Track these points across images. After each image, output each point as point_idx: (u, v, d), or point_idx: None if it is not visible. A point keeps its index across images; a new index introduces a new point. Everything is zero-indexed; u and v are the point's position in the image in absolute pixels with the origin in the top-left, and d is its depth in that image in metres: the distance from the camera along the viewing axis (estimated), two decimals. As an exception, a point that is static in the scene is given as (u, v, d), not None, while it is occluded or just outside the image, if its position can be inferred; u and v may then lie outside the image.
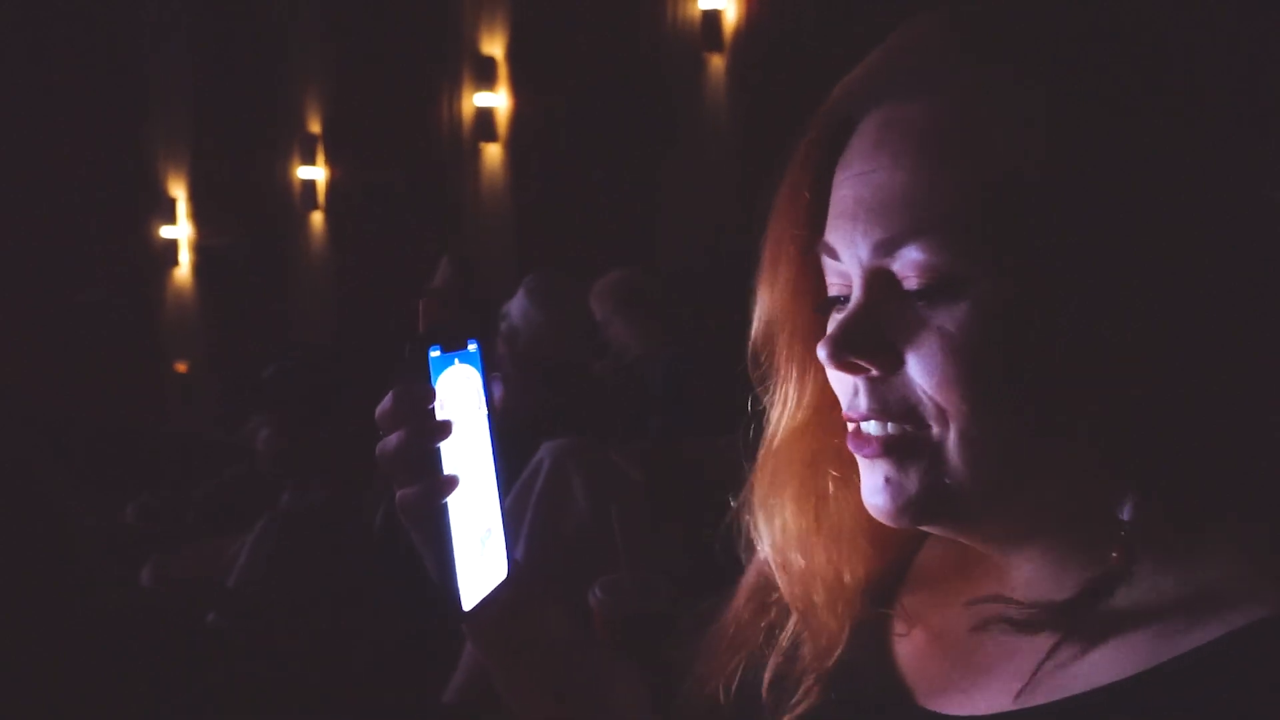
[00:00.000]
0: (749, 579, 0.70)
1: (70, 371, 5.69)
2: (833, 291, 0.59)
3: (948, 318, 0.53)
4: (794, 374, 0.63)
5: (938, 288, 0.53)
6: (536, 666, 0.72)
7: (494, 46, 4.99)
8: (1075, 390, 0.52)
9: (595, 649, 0.77)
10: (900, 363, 0.55)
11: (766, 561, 0.67)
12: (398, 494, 0.64)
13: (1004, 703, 0.54)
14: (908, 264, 0.54)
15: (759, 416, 0.65)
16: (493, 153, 5.06)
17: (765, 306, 0.64)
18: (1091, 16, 0.54)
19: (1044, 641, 0.54)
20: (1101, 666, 0.52)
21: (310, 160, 5.84)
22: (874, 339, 0.55)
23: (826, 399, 0.62)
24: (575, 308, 2.49)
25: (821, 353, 0.57)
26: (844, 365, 0.56)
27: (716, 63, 4.15)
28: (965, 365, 0.53)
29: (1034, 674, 0.54)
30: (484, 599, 0.65)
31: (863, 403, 0.57)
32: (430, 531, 0.63)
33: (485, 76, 4.97)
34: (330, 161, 5.83)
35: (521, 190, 4.92)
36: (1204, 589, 0.51)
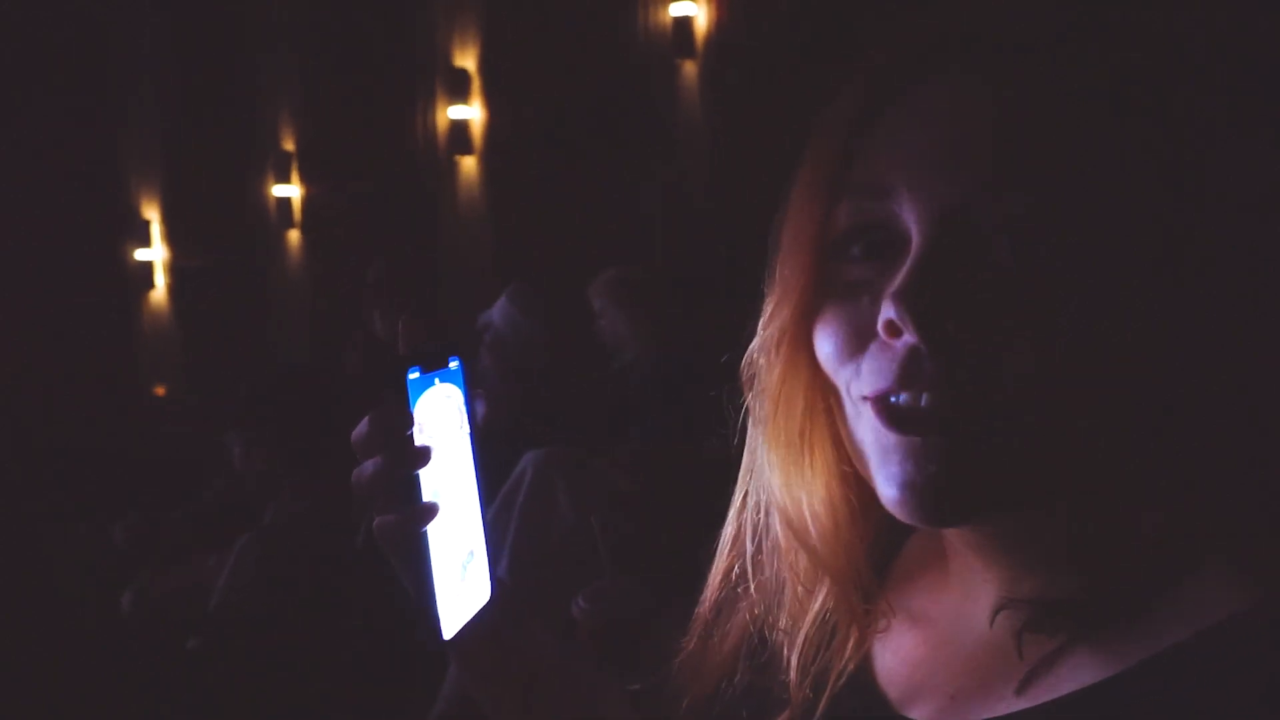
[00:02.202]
0: (715, 581, 0.68)
1: (47, 395, 5.62)
2: (853, 228, 0.52)
3: (1049, 273, 0.48)
4: (800, 357, 0.57)
5: (1039, 240, 0.48)
6: (522, 689, 0.71)
7: (466, 59, 4.98)
8: (1144, 374, 0.49)
9: (581, 667, 0.76)
10: (980, 322, 0.49)
11: (740, 556, 0.65)
12: (375, 522, 0.62)
13: (998, 707, 0.53)
14: (1004, 210, 0.49)
15: (745, 420, 0.63)
16: (468, 165, 5.05)
17: (782, 277, 0.57)
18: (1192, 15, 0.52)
19: (1043, 642, 0.52)
20: (1086, 666, 0.51)
21: (285, 178, 5.80)
22: (954, 293, 0.48)
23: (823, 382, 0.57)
24: (562, 315, 2.48)
25: (891, 310, 0.49)
26: (924, 322, 0.48)
27: (689, 68, 4.16)
28: (1070, 326, 0.48)
29: (1029, 676, 0.52)
30: (466, 624, 0.64)
31: (929, 368, 0.49)
32: (409, 559, 0.61)
33: (458, 89, 4.96)
34: (305, 179, 5.79)
35: (498, 202, 4.91)
36: (1181, 583, 0.51)
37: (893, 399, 0.51)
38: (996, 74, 0.51)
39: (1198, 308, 0.50)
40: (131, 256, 6.45)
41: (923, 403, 0.50)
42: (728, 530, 0.67)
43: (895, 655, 0.61)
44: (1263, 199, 0.51)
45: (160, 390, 6.47)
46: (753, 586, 0.65)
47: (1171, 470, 0.51)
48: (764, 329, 0.60)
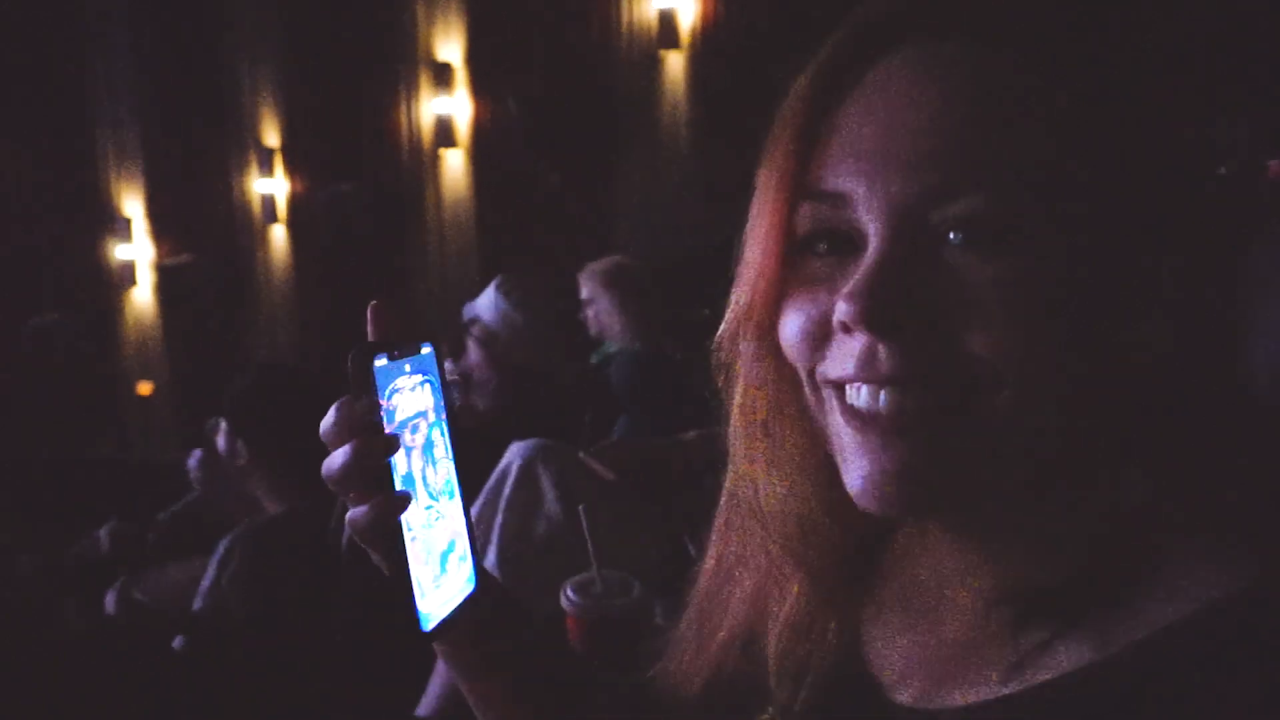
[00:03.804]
0: (705, 571, 0.68)
1: (28, 398, 5.58)
2: (814, 232, 0.53)
3: (1005, 271, 0.48)
4: (767, 352, 0.58)
5: (995, 239, 0.48)
6: (508, 679, 0.70)
7: (450, 52, 4.96)
8: (1114, 360, 0.49)
9: (569, 660, 0.76)
10: (936, 320, 0.49)
11: (727, 549, 0.65)
12: (348, 513, 0.61)
13: (986, 692, 0.53)
14: (959, 212, 0.49)
15: (725, 409, 0.63)
16: (454, 158, 5.03)
17: (747, 268, 0.57)
18: None
19: (1033, 630, 0.52)
20: (1073, 651, 0.51)
21: (269, 173, 5.77)
22: (909, 292, 0.49)
23: (790, 374, 0.57)
24: (551, 307, 2.46)
25: (844, 310, 0.50)
26: (875, 323, 0.49)
27: (674, 60, 4.16)
28: (1026, 322, 0.48)
29: (1018, 662, 0.52)
30: (449, 616, 0.63)
31: (884, 366, 0.50)
32: (386, 550, 0.60)
33: (443, 82, 4.94)
34: (290, 174, 5.76)
35: (483, 195, 4.89)
36: (1165, 568, 0.50)
37: (851, 389, 0.52)
38: (943, 67, 0.50)
39: (1158, 298, 0.50)
40: (113, 254, 6.40)
41: (880, 403, 0.51)
42: (718, 520, 0.66)
43: (884, 643, 0.61)
44: (1222, 193, 0.51)
45: (144, 389, 6.43)
46: (738, 575, 0.64)
47: (1146, 456, 0.51)
48: (730, 315, 0.60)
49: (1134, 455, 0.51)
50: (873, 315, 0.49)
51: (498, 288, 2.36)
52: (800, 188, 0.54)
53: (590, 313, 2.88)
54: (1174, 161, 0.50)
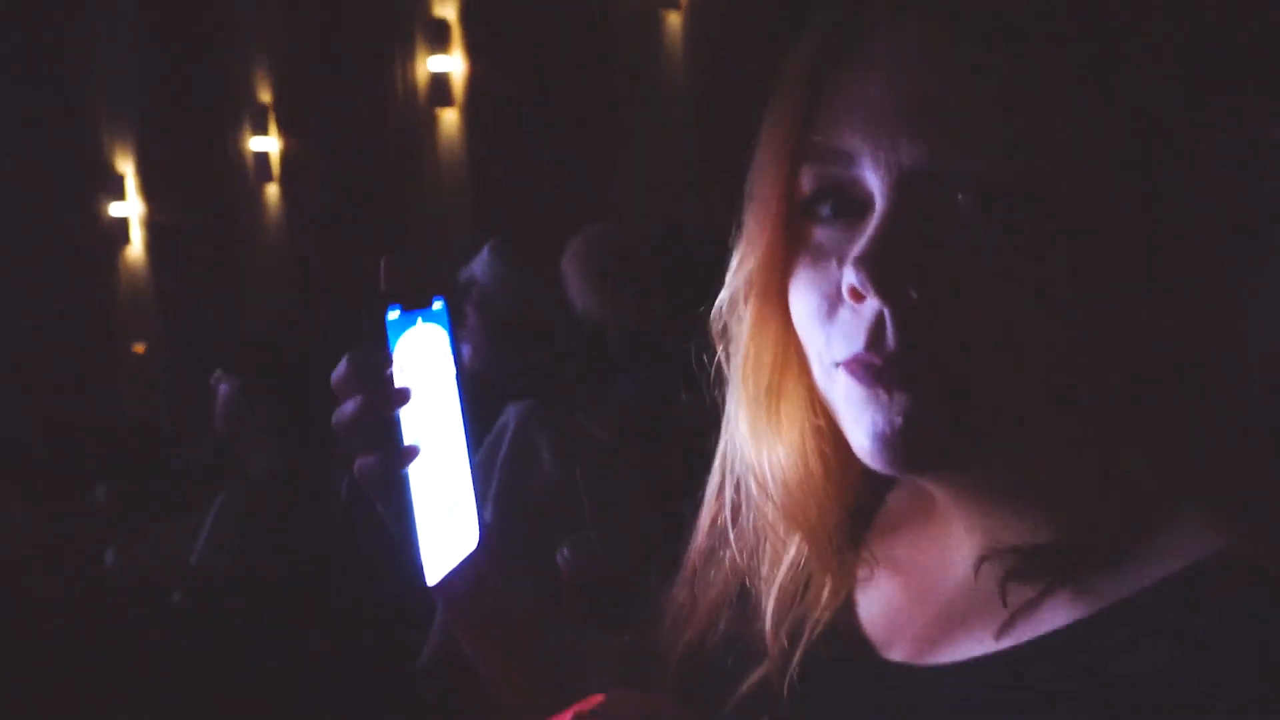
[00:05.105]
0: (700, 531, 0.68)
1: (22, 359, 5.56)
2: (819, 192, 0.52)
3: (1014, 232, 0.48)
4: (770, 315, 0.58)
5: (1004, 200, 0.48)
6: (506, 636, 0.71)
7: (447, 9, 4.89)
8: (1120, 322, 0.50)
9: (565, 616, 0.77)
10: (945, 281, 0.49)
11: (723, 511, 0.66)
12: (356, 463, 0.62)
13: (977, 649, 0.54)
14: (968, 170, 0.48)
15: (721, 375, 0.63)
16: (449, 118, 4.98)
17: (750, 232, 0.57)
18: None
19: (1025, 589, 0.53)
20: (1064, 609, 0.52)
21: (262, 131, 5.71)
22: (918, 255, 0.49)
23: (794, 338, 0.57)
24: (546, 269, 2.45)
25: (854, 275, 0.50)
26: (885, 285, 0.49)
27: (674, 20, 4.11)
28: (1034, 285, 0.48)
29: (1010, 620, 0.53)
30: (452, 570, 0.64)
31: (890, 335, 0.50)
32: (392, 502, 0.61)
33: (439, 40, 4.88)
34: (283, 132, 5.70)
35: (479, 156, 4.85)
36: (1158, 528, 0.51)
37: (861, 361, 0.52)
38: (956, 23, 0.50)
39: (1166, 265, 0.50)
40: (106, 211, 6.35)
41: (888, 358, 0.51)
42: (712, 481, 0.67)
43: (877, 603, 0.62)
44: (1229, 167, 0.51)
45: (139, 348, 6.41)
46: (733, 537, 0.65)
47: (1144, 416, 0.51)
48: (731, 281, 0.60)
49: (1129, 425, 0.52)
50: (883, 279, 0.49)
51: (491, 249, 2.35)
52: (803, 148, 0.54)
53: (573, 293, 2.78)
54: (1179, 151, 0.50)
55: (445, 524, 0.64)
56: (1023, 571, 0.53)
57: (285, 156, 5.70)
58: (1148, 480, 0.52)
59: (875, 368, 0.51)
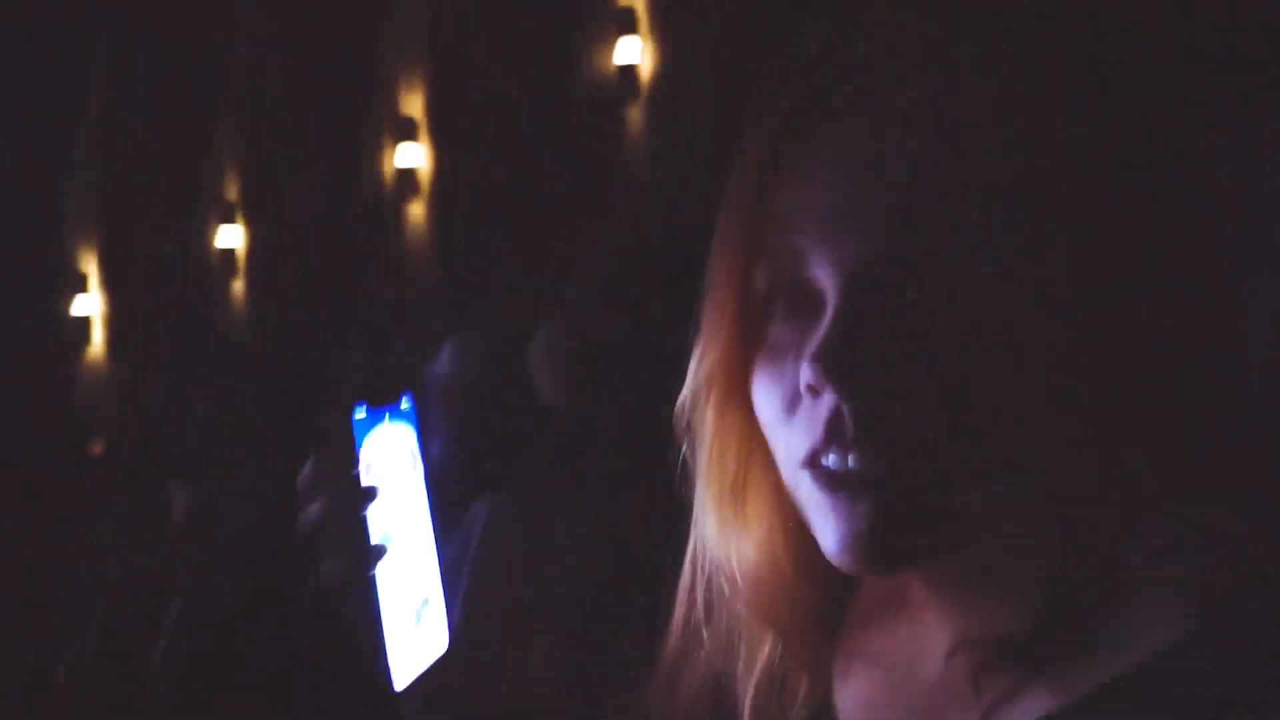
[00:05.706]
0: (672, 631, 0.67)
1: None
2: (772, 288, 0.53)
3: (966, 327, 0.49)
4: (733, 418, 0.58)
5: (950, 297, 0.49)
6: None
7: (413, 106, 4.99)
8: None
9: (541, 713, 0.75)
10: (899, 377, 0.50)
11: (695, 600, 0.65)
12: (322, 565, 0.61)
13: None
14: (913, 271, 0.49)
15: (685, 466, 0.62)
16: (415, 211, 5.03)
17: (708, 329, 0.58)
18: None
19: (999, 681, 0.52)
20: (1040, 699, 0.51)
21: (230, 221, 5.72)
22: (872, 349, 0.50)
23: (758, 437, 0.58)
24: (510, 363, 2.45)
25: (809, 372, 0.50)
26: (838, 380, 0.50)
27: (635, 114, 4.21)
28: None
29: (986, 713, 0.52)
30: (421, 674, 0.63)
31: (849, 428, 0.50)
32: (359, 605, 0.60)
33: (406, 135, 4.96)
34: (250, 226, 5.72)
35: (448, 248, 4.89)
36: (1126, 611, 0.51)
37: (823, 460, 0.52)
38: (901, 112, 0.51)
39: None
40: (68, 309, 6.28)
41: (850, 464, 0.51)
42: (682, 580, 0.66)
43: (855, 698, 0.61)
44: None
45: (99, 450, 6.27)
46: (706, 636, 0.64)
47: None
48: (693, 378, 0.60)
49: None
50: (839, 376, 0.50)
51: (451, 345, 2.36)
52: (757, 245, 0.54)
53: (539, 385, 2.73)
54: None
55: (414, 626, 0.63)
56: (994, 664, 0.53)
57: (251, 250, 5.71)
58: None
59: (837, 476, 0.52)
